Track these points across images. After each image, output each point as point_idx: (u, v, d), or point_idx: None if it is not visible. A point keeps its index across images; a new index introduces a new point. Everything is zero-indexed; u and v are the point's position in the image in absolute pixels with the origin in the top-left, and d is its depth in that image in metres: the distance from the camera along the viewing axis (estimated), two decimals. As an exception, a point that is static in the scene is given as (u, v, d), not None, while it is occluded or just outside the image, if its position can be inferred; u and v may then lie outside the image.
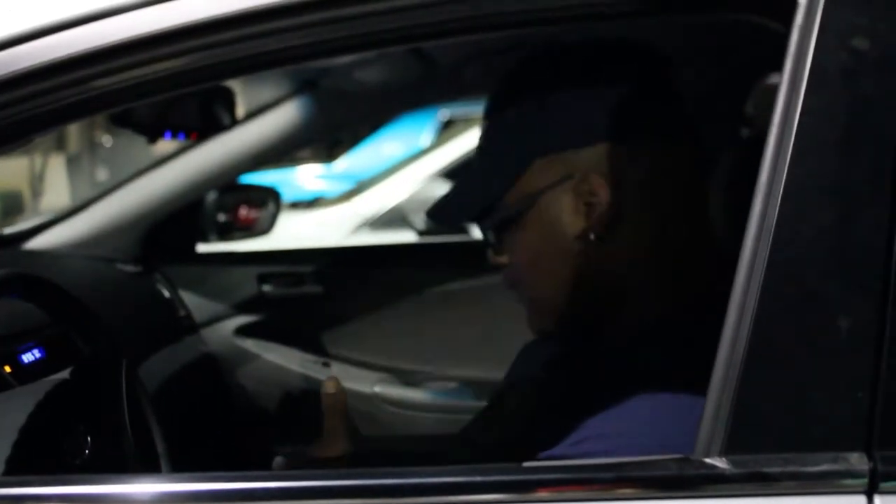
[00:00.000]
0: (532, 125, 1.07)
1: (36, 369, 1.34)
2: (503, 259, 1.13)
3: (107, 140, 10.71)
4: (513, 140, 1.09)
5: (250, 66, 1.04)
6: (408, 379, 2.33)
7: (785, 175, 0.83)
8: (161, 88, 1.05)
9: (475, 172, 1.16)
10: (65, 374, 1.31)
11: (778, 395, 0.82)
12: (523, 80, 1.12)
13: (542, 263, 1.09)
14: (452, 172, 4.43)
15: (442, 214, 1.19)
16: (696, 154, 1.07)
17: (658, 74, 1.09)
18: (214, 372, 2.33)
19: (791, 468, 0.80)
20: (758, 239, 0.82)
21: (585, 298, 1.08)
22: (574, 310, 1.10)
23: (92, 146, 10.97)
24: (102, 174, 10.99)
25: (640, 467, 0.82)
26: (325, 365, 2.37)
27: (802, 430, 0.82)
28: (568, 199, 1.04)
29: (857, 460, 0.80)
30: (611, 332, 1.10)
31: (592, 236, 1.04)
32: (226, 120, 1.97)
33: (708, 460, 0.81)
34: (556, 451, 0.95)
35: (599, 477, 0.83)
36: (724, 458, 0.81)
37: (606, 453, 0.91)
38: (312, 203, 5.35)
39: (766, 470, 0.80)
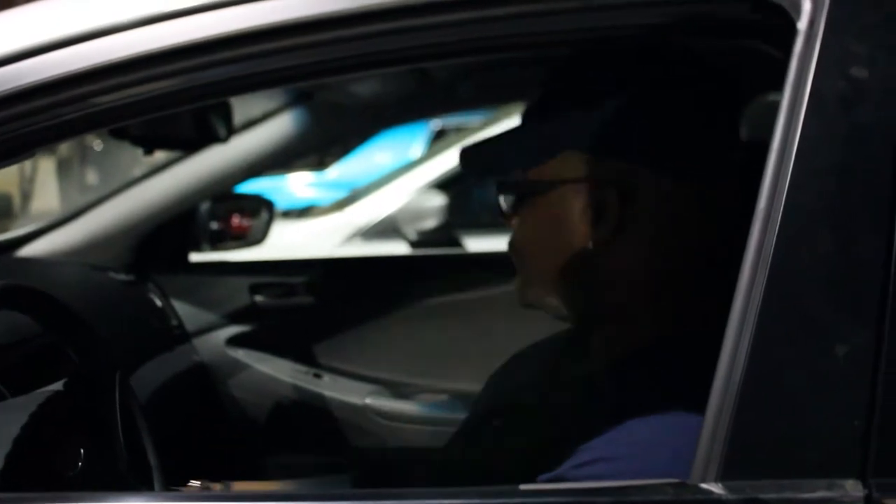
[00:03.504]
0: (575, 117, 1.06)
1: (28, 380, 1.33)
2: (511, 223, 1.14)
3: (97, 144, 10.69)
4: (555, 122, 1.09)
5: (253, 85, 1.04)
6: (399, 391, 2.33)
7: (783, 201, 0.83)
8: (164, 105, 1.05)
9: (518, 135, 1.16)
10: (57, 385, 1.30)
11: (774, 421, 0.82)
12: (587, 70, 1.09)
13: (540, 246, 1.10)
14: (444, 183, 4.43)
15: (473, 158, 1.17)
16: (723, 192, 1.04)
17: (717, 104, 1.08)
18: (205, 382, 2.33)
19: (786, 494, 0.81)
20: (756, 264, 0.83)
21: (574, 297, 1.10)
22: (563, 301, 1.11)
23: (82, 150, 10.95)
24: (92, 178, 10.96)
25: (636, 492, 0.82)
26: (317, 376, 2.36)
27: (798, 456, 0.82)
28: (579, 201, 1.05)
29: (852, 487, 0.80)
30: (604, 348, 1.10)
31: (590, 245, 1.04)
32: (222, 132, 1.96)
33: (704, 486, 0.81)
34: (560, 472, 0.95)
35: (595, 501, 0.83)
36: (719, 484, 0.81)
37: (613, 478, 0.90)
38: (304, 212, 5.34)
39: (761, 496, 0.80)
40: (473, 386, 2.26)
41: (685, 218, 1.04)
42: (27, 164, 10.16)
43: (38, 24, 1.00)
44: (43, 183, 10.60)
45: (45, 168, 10.74)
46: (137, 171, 2.38)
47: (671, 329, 1.05)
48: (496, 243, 3.74)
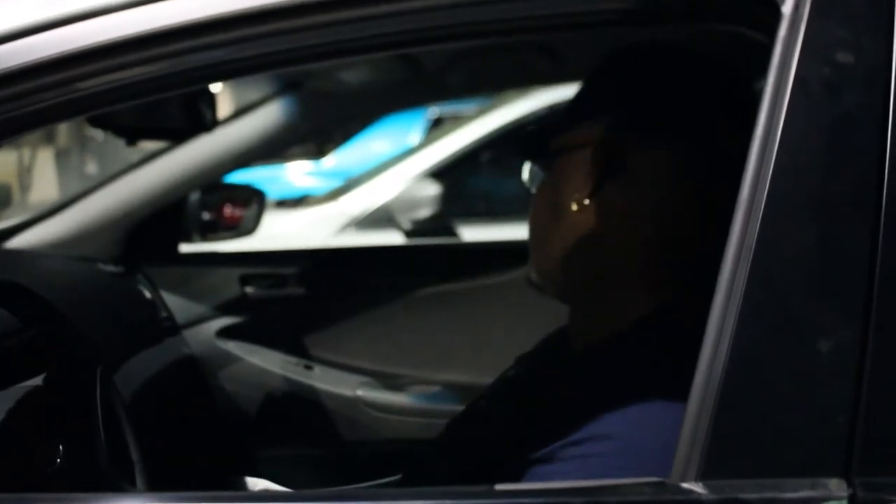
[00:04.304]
0: (589, 93, 1.14)
1: (8, 375, 1.32)
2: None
3: (97, 133, 10.66)
4: (578, 98, 1.15)
5: (239, 70, 1.02)
6: (390, 382, 2.32)
7: (766, 191, 0.81)
8: (147, 91, 1.02)
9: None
10: (38, 380, 1.28)
11: (756, 418, 0.80)
12: (616, 56, 1.15)
13: (540, 212, 1.13)
14: (440, 172, 4.41)
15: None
16: (706, 158, 1.06)
17: (703, 82, 1.11)
18: (195, 374, 2.31)
19: (769, 494, 0.79)
20: (738, 257, 0.81)
21: (567, 268, 1.10)
22: (554, 272, 1.13)
23: (82, 140, 10.93)
24: (92, 168, 10.95)
25: (614, 492, 0.81)
26: (308, 368, 2.35)
27: (781, 454, 0.80)
28: (573, 164, 1.08)
29: (836, 486, 0.79)
30: (597, 323, 1.09)
31: (574, 205, 1.07)
32: (207, 121, 1.94)
33: (684, 485, 0.80)
34: (550, 451, 0.95)
35: (573, 501, 0.82)
36: (700, 483, 0.79)
37: (603, 455, 0.92)
38: (299, 201, 5.32)
39: (743, 496, 0.79)
40: (465, 377, 2.26)
41: (675, 186, 1.05)
42: (25, 154, 10.15)
43: (17, 6, 0.97)
44: (41, 173, 10.59)
45: (43, 158, 10.73)
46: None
47: (667, 300, 1.05)
48: (491, 233, 3.73)
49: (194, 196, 2.33)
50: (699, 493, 0.79)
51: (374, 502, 0.85)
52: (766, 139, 0.82)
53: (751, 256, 0.80)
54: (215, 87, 2.09)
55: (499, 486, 0.82)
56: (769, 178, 0.81)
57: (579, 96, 1.15)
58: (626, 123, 1.07)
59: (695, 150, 1.05)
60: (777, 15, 0.83)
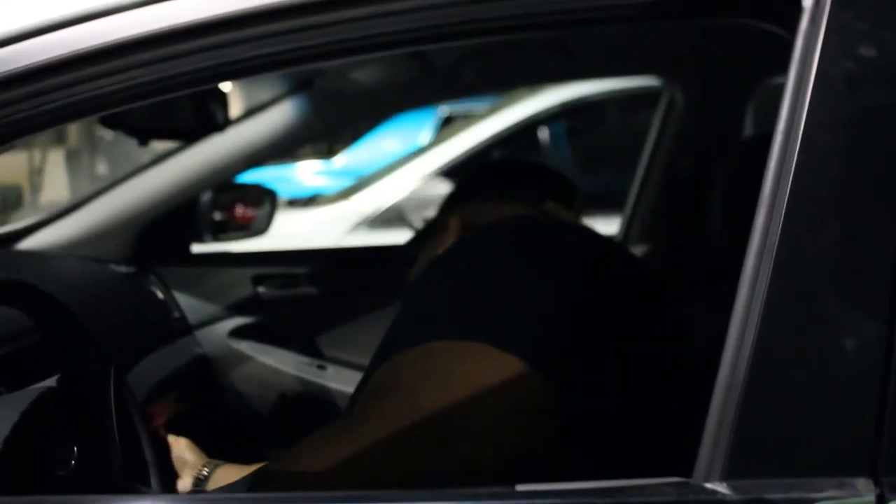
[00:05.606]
0: (452, 195, 1.71)
1: (21, 377, 1.31)
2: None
3: (108, 134, 10.67)
4: (448, 198, 1.71)
5: (251, 69, 1.01)
6: (403, 382, 2.30)
7: (789, 188, 0.80)
8: (159, 91, 1.01)
9: None
10: (51, 381, 1.28)
11: (781, 417, 0.79)
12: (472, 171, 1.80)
13: (425, 257, 1.55)
14: (450, 170, 4.40)
15: None
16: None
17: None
18: (208, 374, 2.31)
19: (794, 494, 0.78)
20: (760, 255, 0.80)
21: None
22: None
23: (92, 140, 10.95)
24: (102, 168, 10.97)
25: (636, 492, 0.80)
26: (321, 367, 2.34)
27: (806, 454, 0.79)
28: (445, 227, 1.56)
29: (863, 486, 0.78)
30: None
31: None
32: (218, 121, 1.93)
33: (708, 485, 0.79)
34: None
35: (595, 502, 0.81)
36: (724, 483, 0.78)
37: None
38: (310, 200, 5.32)
39: (768, 496, 0.78)
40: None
41: (489, 215, 1.50)
42: (36, 155, 10.18)
43: (23, 8, 0.97)
44: (52, 174, 10.62)
45: (54, 159, 10.75)
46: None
47: None
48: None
49: (206, 196, 2.33)
50: (724, 494, 0.78)
51: (391, 503, 0.84)
52: (788, 135, 0.81)
53: (773, 254, 0.79)
54: (226, 87, 2.09)
55: (520, 487, 0.81)
56: (791, 175, 0.80)
57: (446, 200, 1.69)
58: (467, 200, 1.60)
59: (499, 195, 1.57)
60: (798, 9, 0.82)
